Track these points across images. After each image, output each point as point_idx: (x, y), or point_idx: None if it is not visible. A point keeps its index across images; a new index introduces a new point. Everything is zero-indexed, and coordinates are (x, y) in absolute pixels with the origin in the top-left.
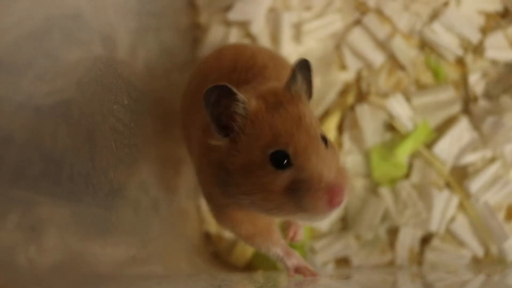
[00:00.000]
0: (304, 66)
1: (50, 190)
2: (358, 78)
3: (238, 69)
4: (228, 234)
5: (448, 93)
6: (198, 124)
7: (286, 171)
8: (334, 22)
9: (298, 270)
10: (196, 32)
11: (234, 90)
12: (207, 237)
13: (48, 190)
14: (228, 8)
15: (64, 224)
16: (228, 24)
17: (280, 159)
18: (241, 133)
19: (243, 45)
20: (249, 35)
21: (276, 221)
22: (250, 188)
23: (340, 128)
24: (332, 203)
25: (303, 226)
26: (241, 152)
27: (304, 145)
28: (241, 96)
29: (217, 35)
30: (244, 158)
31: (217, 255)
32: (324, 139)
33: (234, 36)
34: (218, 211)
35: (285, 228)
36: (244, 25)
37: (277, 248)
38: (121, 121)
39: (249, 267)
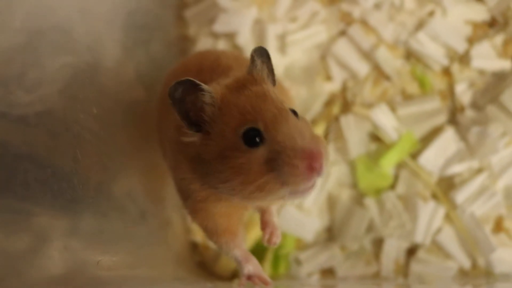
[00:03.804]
0: (263, 53)
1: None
2: (344, 89)
3: (204, 71)
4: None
5: (434, 103)
6: (172, 124)
7: (260, 148)
8: (319, 33)
9: (250, 278)
10: (184, 44)
11: (197, 82)
12: (193, 247)
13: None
14: (214, 20)
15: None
16: (215, 36)
17: (252, 137)
18: (211, 122)
19: (208, 50)
20: (235, 46)
21: (243, 223)
22: (228, 173)
23: (325, 139)
24: (311, 168)
25: (279, 228)
26: (214, 140)
27: (272, 117)
28: (205, 86)
29: (204, 47)
30: (219, 145)
31: (203, 264)
32: (294, 112)
33: (221, 48)
34: (195, 207)
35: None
36: (230, 37)
37: (237, 251)
38: (89, 129)
39: (235, 277)
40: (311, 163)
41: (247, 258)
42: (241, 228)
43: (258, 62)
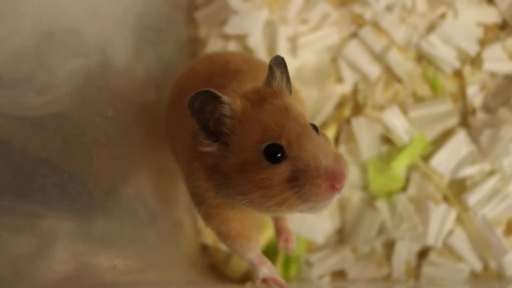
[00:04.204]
0: (280, 62)
1: (19, 199)
2: (355, 91)
3: (214, 76)
4: (224, 246)
5: (445, 106)
6: (187, 131)
7: (282, 164)
8: (330, 35)
9: (265, 280)
10: (194, 45)
11: (217, 93)
12: (204, 249)
13: (16, 200)
14: (225, 22)
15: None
16: (226, 37)
17: (274, 153)
18: (231, 134)
19: (216, 53)
20: (246, 48)
21: (257, 226)
22: (248, 187)
23: (336, 141)
24: (334, 188)
25: (294, 233)
26: (234, 152)
27: (295, 134)
28: (225, 98)
29: (215, 49)
30: (239, 158)
31: (213, 267)
32: (314, 127)
33: (232, 50)
34: (210, 213)
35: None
36: (241, 39)
37: (252, 254)
38: (104, 132)
39: (245, 279)
40: (335, 183)
41: (261, 261)
42: (254, 231)
43: (278, 73)
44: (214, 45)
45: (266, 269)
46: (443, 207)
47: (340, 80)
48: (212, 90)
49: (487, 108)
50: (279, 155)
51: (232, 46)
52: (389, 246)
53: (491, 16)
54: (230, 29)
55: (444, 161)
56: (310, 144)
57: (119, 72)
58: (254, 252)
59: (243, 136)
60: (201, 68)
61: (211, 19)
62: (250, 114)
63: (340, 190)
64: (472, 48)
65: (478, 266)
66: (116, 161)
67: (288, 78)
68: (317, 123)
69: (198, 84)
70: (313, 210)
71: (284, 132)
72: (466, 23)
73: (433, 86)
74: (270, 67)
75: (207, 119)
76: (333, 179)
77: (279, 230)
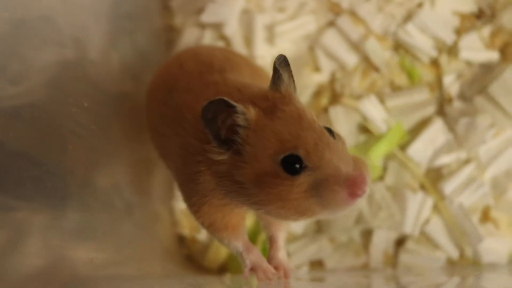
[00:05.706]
0: (284, 61)
1: None
2: (332, 80)
3: (204, 73)
4: (202, 237)
5: (422, 95)
6: (189, 133)
7: (301, 175)
8: (308, 23)
9: (253, 269)
10: (170, 34)
11: (232, 102)
12: (181, 240)
13: None
14: (201, 10)
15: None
16: (202, 26)
17: (292, 164)
18: (244, 144)
19: (198, 49)
20: (223, 37)
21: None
22: (265, 198)
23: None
24: (355, 195)
25: (285, 264)
26: (248, 163)
27: (313, 143)
28: (240, 107)
29: (191, 37)
30: (254, 169)
31: (191, 258)
32: (329, 131)
33: (208, 38)
34: (208, 212)
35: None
36: (217, 27)
37: (238, 243)
38: (80, 123)
39: (223, 270)
40: (356, 190)
41: (248, 248)
42: (244, 221)
43: (285, 76)
44: (190, 34)
45: (253, 257)
46: (420, 195)
47: (317, 69)
48: (226, 98)
49: (463, 96)
50: (297, 166)
51: (208, 35)
52: (367, 235)
53: (467, 5)
54: (206, 17)
55: (421, 150)
56: (329, 152)
57: (96, 61)
58: (240, 240)
59: (258, 147)
60: (189, 65)
61: (187, 7)
62: (263, 123)
63: (362, 195)
64: (448, 37)
65: (454, 253)
66: (93, 153)
67: (292, 77)
68: None
69: (190, 82)
70: (332, 215)
71: (301, 142)
72: (443, 12)
73: (410, 75)
74: (275, 69)
75: (219, 128)
76: (353, 186)
77: (270, 259)
